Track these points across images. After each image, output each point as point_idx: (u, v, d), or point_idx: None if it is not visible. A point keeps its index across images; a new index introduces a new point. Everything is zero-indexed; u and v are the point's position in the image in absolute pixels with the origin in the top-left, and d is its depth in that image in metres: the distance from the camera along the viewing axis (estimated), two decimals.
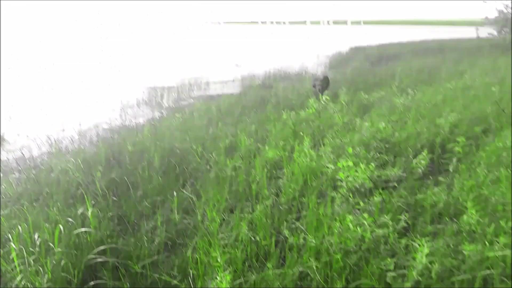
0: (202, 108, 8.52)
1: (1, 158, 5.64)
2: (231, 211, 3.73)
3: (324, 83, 8.24)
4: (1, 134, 6.92)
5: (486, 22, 30.35)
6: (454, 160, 4.35)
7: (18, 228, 3.15)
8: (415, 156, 4.59)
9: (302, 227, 3.25)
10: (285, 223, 3.37)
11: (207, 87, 13.29)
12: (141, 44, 43.62)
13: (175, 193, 3.83)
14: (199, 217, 3.56)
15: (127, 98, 10.90)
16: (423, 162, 4.22)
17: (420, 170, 4.24)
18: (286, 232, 3.19)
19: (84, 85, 13.96)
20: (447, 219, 3.28)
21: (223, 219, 3.50)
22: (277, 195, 3.95)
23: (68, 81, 14.83)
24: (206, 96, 11.48)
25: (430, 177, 4.18)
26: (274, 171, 4.55)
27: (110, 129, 7.17)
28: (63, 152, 5.37)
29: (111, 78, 15.44)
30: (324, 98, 7.66)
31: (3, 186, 4.25)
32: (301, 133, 5.62)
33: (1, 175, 4.63)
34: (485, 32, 28.13)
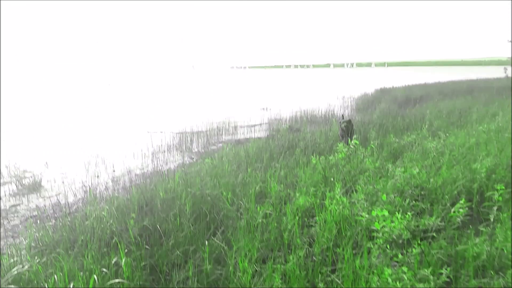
0: (231, 153, 8.61)
1: (39, 205, 5.82)
2: (263, 261, 3.66)
3: (349, 127, 8.11)
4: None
5: None
6: (494, 208, 4.18)
7: (54, 277, 3.19)
8: (452, 204, 4.45)
9: (338, 281, 3.15)
10: (319, 275, 3.28)
11: (235, 131, 13.48)
12: (170, 90, 45.10)
13: (206, 242, 3.81)
14: (230, 268, 3.51)
15: (158, 143, 11.17)
16: (461, 210, 4.07)
17: (459, 219, 4.09)
18: (321, 285, 3.09)
19: (116, 131, 14.42)
20: (492, 272, 3.12)
21: (255, 270, 3.43)
22: (310, 245, 3.87)
23: (101, 127, 15.37)
24: (234, 141, 11.62)
25: (470, 226, 4.01)
26: (305, 219, 4.49)
27: (143, 174, 7.31)
28: (98, 198, 5.48)
29: (143, 124, 15.90)
30: (353, 142, 7.62)
31: (41, 233, 4.35)
32: (332, 179, 5.57)
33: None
34: None
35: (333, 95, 27.99)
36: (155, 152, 10.12)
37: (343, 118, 8.50)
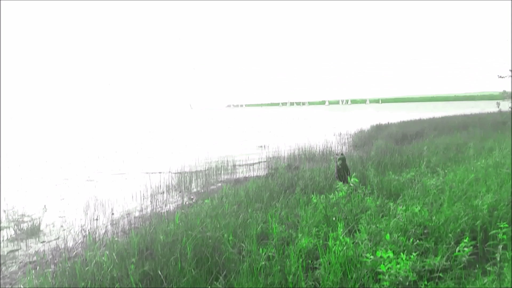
0: (230, 192, 8.57)
1: (38, 250, 5.73)
2: None
3: (344, 165, 7.95)
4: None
5: (505, 96, 30.54)
6: (500, 247, 4.15)
7: None
8: (456, 242, 4.41)
9: None
10: None
11: (234, 170, 13.48)
12: (169, 129, 45.41)
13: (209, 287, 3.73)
14: None
15: (157, 184, 11.13)
16: (466, 249, 4.03)
17: (464, 259, 4.05)
18: None
19: (115, 171, 14.39)
20: None
21: None
22: None
23: (100, 168, 15.34)
24: (233, 180, 11.60)
25: (477, 265, 3.97)
26: (309, 261, 4.42)
27: (142, 216, 7.24)
28: (97, 243, 5.40)
29: (141, 164, 15.90)
30: (352, 180, 7.62)
31: (40, 279, 4.25)
32: (334, 218, 5.53)
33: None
34: (507, 105, 28.22)
35: (329, 131, 28.23)
36: (154, 194, 10.06)
37: (337, 156, 8.49)
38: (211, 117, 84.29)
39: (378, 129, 23.59)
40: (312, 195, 7.03)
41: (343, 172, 7.73)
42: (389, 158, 10.71)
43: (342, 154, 8.33)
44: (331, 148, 16.67)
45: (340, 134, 26.37)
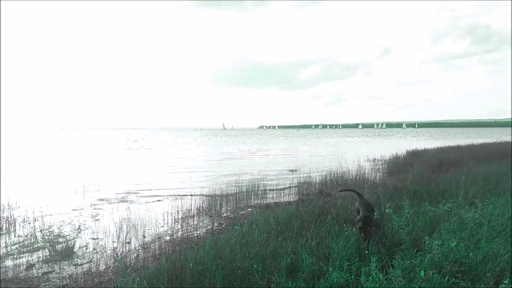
0: (260, 219, 8.53)
1: (71, 273, 5.88)
2: None
3: (367, 227, 5.90)
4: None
5: None
6: None
7: None
8: (496, 282, 4.19)
9: None
10: None
11: (264, 195, 13.43)
12: (198, 150, 46.02)
13: None
14: None
15: (188, 206, 11.24)
16: None
17: None
18: None
19: (149, 193, 14.66)
20: None
21: None
22: None
23: (133, 188, 15.68)
24: (263, 205, 11.55)
25: None
26: None
27: (172, 241, 7.29)
28: (129, 268, 5.47)
29: (174, 185, 16.14)
30: (387, 210, 7.42)
31: None
32: (366, 252, 5.38)
33: None
34: None
35: (363, 156, 27.77)
36: (185, 217, 10.15)
37: (358, 214, 6.40)
38: (243, 137, 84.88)
39: (414, 156, 23.01)
40: (344, 226, 6.89)
41: (366, 237, 5.83)
42: (425, 187, 10.39)
43: (364, 210, 6.18)
44: (365, 175, 16.36)
45: (374, 159, 25.91)
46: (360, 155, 28.65)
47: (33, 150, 43.90)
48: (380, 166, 21.01)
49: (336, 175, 15.64)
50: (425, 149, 26.26)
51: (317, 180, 15.14)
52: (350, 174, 15.99)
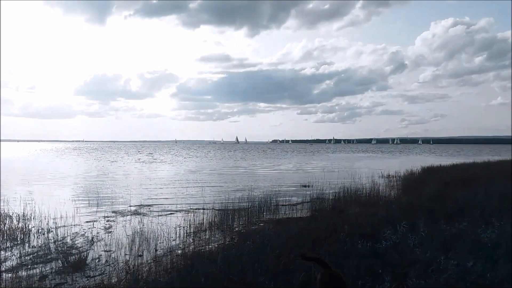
0: (272, 234, 8.47)
1: (84, 286, 5.90)
2: None
3: None
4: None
5: None
6: None
7: None
8: None
9: None
10: None
11: (277, 210, 13.35)
12: (213, 164, 46.09)
13: None
14: None
15: (200, 220, 11.24)
16: None
17: None
18: None
19: (161, 207, 14.71)
20: None
21: None
22: None
23: (147, 201, 15.75)
24: (275, 220, 11.45)
25: None
26: None
27: (184, 255, 7.26)
28: (140, 282, 5.47)
29: (185, 201, 16.15)
30: (401, 228, 7.32)
31: None
32: (380, 271, 5.30)
33: None
34: None
35: (377, 172, 27.46)
36: (197, 231, 10.13)
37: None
38: (257, 152, 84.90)
39: (429, 172, 22.70)
40: (358, 243, 6.80)
41: None
42: (440, 205, 10.22)
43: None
44: (379, 191, 16.14)
45: (389, 175, 25.60)
46: (374, 171, 28.34)
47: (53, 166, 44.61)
48: (395, 183, 20.74)
49: (350, 191, 15.46)
50: (440, 165, 25.90)
51: (330, 196, 14.98)
52: (364, 190, 15.79)
